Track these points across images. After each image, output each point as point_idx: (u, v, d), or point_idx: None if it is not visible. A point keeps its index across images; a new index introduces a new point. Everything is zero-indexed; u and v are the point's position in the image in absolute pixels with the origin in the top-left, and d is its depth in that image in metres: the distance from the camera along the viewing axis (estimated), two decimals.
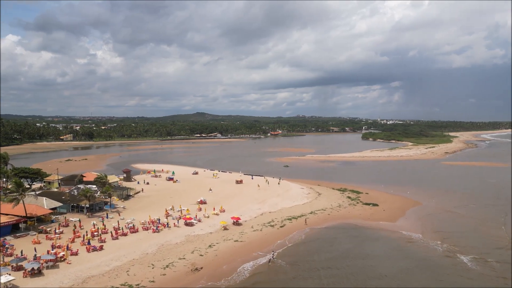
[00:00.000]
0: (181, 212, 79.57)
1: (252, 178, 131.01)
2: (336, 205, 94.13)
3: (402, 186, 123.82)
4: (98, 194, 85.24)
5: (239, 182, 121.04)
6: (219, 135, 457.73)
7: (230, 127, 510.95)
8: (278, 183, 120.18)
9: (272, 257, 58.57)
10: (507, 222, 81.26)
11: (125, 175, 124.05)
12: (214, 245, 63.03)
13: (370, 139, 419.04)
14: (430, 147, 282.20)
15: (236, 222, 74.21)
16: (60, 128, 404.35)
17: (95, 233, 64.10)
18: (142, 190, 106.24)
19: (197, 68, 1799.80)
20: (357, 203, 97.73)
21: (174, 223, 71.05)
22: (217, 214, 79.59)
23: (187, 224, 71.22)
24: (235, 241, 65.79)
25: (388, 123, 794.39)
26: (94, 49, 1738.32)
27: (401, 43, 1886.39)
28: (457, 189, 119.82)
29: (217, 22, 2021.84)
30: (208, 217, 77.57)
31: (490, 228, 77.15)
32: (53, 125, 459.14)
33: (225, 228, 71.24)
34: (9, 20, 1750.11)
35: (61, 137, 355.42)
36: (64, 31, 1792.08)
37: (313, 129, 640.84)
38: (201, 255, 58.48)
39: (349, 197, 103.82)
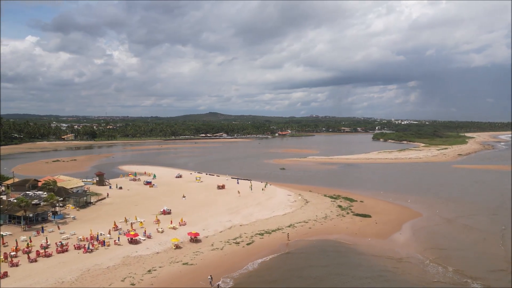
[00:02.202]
0: (131, 226, 68.08)
1: (238, 183, 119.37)
2: (321, 216, 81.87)
3: (404, 193, 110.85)
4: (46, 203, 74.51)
5: (220, 187, 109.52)
6: (225, 135, 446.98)
7: (236, 127, 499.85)
8: (262, 189, 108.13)
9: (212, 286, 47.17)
10: (507, 237, 69.78)
11: (97, 179, 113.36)
12: (155, 270, 51.53)
13: (381, 139, 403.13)
14: (443, 149, 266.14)
15: (194, 239, 62.65)
16: (64, 128, 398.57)
17: (12, 253, 53.05)
18: (108, 195, 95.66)
19: (212, 68, 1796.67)
20: (347, 213, 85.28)
21: (114, 241, 59.62)
22: (174, 228, 68.02)
23: (131, 242, 59.81)
24: (183, 264, 54.20)
25: (403, 123, 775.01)
26: (110, 50, 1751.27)
27: (419, 42, 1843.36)
28: (464, 197, 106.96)
29: (232, 22, 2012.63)
30: (162, 232, 66.05)
31: (491, 245, 65.95)
32: (61, 124, 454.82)
33: (178, 247, 59.71)
34: (27, 21, 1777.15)
35: (63, 137, 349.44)
36: (81, 32, 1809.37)
37: (323, 129, 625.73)
38: (132, 284, 47.04)
39: (339, 206, 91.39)
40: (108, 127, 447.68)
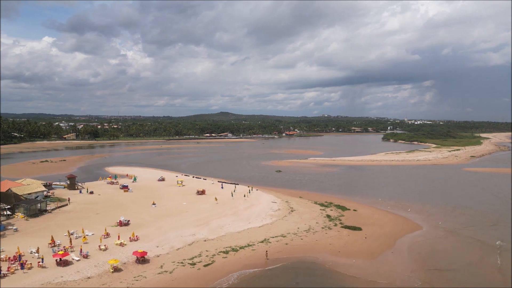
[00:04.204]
0: (70, 241, 57.92)
1: (222, 187, 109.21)
2: (304, 229, 71.19)
3: (405, 200, 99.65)
4: None
5: (200, 193, 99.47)
6: (230, 135, 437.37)
7: (242, 126, 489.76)
8: (244, 196, 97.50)
9: None
10: (505, 256, 59.31)
11: (68, 182, 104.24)
12: None
13: (391, 140, 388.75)
14: (455, 150, 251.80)
15: (141, 259, 52.40)
16: (66, 127, 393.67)
17: None
18: (69, 201, 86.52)
19: (225, 68, 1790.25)
20: (335, 225, 74.36)
21: (38, 262, 49.64)
22: (122, 245, 57.90)
23: (60, 263, 49.82)
24: None
25: (416, 123, 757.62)
26: (124, 50, 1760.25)
27: (434, 41, 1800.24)
28: (471, 204, 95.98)
29: (245, 21, 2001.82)
30: (105, 249, 55.92)
31: (488, 266, 56.03)
32: (69, 123, 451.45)
33: (117, 270, 49.62)
34: (43, 21, 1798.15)
35: (64, 136, 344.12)
36: (95, 32, 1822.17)
37: (333, 129, 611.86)
38: None
39: (328, 216, 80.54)
40: (113, 126, 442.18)
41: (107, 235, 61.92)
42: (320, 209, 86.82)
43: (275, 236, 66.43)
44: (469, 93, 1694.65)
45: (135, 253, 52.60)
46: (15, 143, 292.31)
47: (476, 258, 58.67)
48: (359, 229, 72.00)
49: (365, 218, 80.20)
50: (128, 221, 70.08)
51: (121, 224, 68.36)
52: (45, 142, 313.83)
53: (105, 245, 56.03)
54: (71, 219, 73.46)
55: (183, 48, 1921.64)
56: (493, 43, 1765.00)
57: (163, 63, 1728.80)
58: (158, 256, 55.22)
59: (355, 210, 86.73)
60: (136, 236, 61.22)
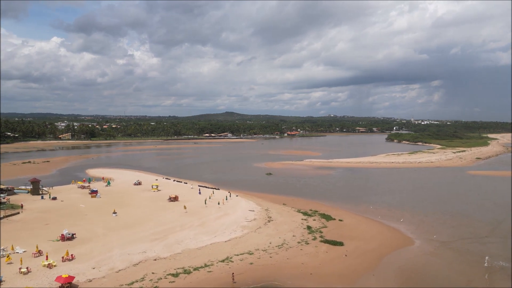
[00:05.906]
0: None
1: (200, 193, 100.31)
2: (277, 243, 62.03)
3: (399, 207, 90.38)
4: None
5: (172, 199, 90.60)
6: (230, 135, 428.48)
7: (243, 126, 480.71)
8: (219, 203, 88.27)
9: None
10: (495, 275, 51.37)
11: (31, 186, 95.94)
12: None
13: (395, 140, 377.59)
14: (460, 151, 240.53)
15: (65, 286, 43.36)
16: (63, 127, 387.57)
17: None
18: (22, 208, 78.33)
19: (231, 68, 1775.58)
20: (314, 239, 65.11)
21: None
22: (49, 267, 48.80)
23: None
24: None
25: (423, 123, 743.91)
26: (132, 50, 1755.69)
27: (443, 40, 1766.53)
28: (471, 213, 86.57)
29: (251, 21, 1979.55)
30: (26, 273, 46.86)
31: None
32: (61, 123, 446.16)
33: None
34: (50, 21, 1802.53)
35: (59, 136, 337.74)
36: (103, 32, 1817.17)
37: (337, 129, 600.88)
38: None
39: (308, 227, 71.27)
40: (113, 126, 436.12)
41: (39, 253, 52.95)
42: (302, 219, 77.57)
43: (241, 254, 57.21)
44: (478, 93, 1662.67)
45: (58, 279, 43.54)
46: (7, 143, 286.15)
47: (464, 281, 49.26)
48: (341, 244, 62.65)
49: (350, 230, 70.87)
50: (73, 234, 61.11)
51: (63, 238, 59.43)
52: (38, 142, 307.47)
53: (27, 268, 47.01)
54: (11, 231, 64.70)
55: (190, 48, 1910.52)
56: (503, 43, 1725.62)
57: (169, 63, 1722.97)
58: (91, 281, 46.19)
59: (340, 220, 77.35)
60: (71, 255, 52.10)
